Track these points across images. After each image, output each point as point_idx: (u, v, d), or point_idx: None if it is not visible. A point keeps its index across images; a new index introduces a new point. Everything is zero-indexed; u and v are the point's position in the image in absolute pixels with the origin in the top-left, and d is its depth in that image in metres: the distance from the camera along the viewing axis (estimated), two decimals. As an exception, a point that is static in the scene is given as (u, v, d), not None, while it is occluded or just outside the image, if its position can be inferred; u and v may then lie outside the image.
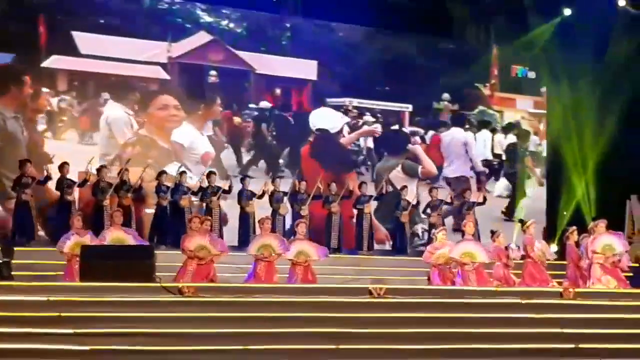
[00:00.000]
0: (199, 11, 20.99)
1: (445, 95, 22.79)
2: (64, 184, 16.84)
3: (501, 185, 22.93)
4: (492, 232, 16.40)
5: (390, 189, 20.27)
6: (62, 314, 11.10)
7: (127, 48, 19.71)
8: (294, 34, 21.83)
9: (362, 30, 22.26)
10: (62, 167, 17.00)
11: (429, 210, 19.40)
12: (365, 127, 22.17)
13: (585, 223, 17.74)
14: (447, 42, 23.06)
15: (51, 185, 17.11)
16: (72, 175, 17.15)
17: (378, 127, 22.23)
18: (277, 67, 21.45)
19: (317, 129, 21.55)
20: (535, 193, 23.17)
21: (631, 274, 16.41)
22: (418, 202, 19.97)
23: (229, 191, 18.26)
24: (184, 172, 18.12)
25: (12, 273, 13.60)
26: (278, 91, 21.55)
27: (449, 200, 20.08)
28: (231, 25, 21.34)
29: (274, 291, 12.85)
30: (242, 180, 18.65)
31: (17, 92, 18.43)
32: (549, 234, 20.52)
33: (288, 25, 21.86)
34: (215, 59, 20.82)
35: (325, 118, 21.78)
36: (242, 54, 21.04)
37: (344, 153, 21.79)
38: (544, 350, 12.20)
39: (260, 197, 18.27)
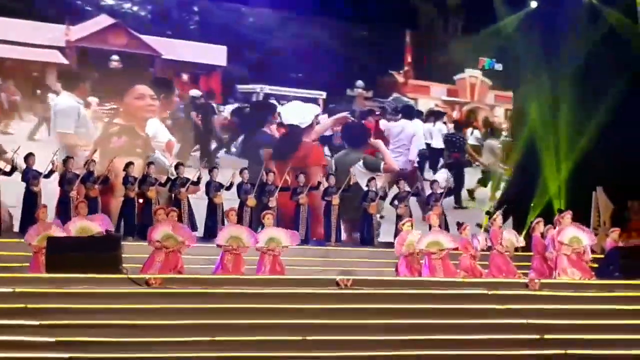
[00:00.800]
0: (100, -7, 20.05)
1: (359, 83, 22.33)
2: (29, 175, 16.70)
3: (441, 176, 22.73)
4: (459, 224, 16.50)
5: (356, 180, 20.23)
6: (28, 306, 11.07)
7: (22, 30, 18.96)
8: (202, 18, 21.15)
9: (274, 15, 21.51)
10: (28, 157, 16.87)
11: (396, 202, 19.45)
12: (338, 115, 22.10)
13: (552, 215, 17.82)
14: (361, 29, 22.40)
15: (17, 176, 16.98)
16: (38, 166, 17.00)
17: (346, 114, 22.18)
18: (184, 52, 20.74)
19: (288, 124, 21.49)
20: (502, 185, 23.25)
21: (596, 265, 16.55)
22: (386, 194, 19.99)
23: (197, 182, 18.21)
24: (151, 162, 18.05)
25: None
26: (185, 77, 20.91)
27: (415, 191, 20.15)
28: (135, 8, 20.43)
29: (242, 282, 12.87)
30: (210, 171, 18.60)
31: None
32: (516, 226, 20.59)
33: (196, 9, 21.20)
34: (117, 43, 19.95)
35: (295, 112, 21.64)
36: (146, 38, 20.20)
37: (311, 146, 21.62)
38: (509, 341, 12.28)
39: (229, 188, 18.24)
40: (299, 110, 21.74)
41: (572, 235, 15.58)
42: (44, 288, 11.52)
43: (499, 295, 13.16)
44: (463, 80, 23.70)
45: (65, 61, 19.40)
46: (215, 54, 21.02)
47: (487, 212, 17.78)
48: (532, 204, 21.56)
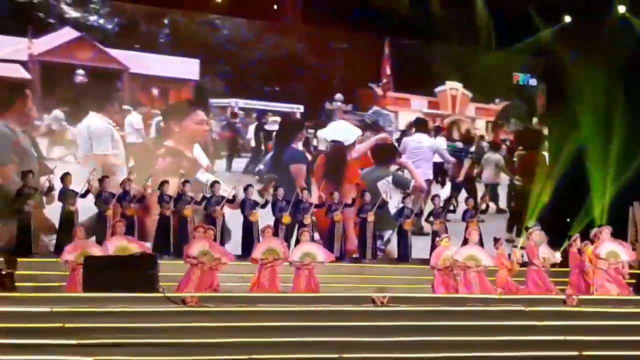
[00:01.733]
0: (64, 5, 19.28)
1: (338, 96, 21.75)
2: (66, 195, 16.82)
3: (447, 190, 22.54)
4: (495, 240, 16.43)
5: (390, 197, 20.20)
6: (66, 325, 11.13)
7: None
8: (173, 31, 20.38)
9: (249, 26, 21.06)
10: (65, 177, 16.99)
11: (431, 218, 19.40)
12: (379, 136, 22.08)
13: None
14: (340, 41, 21.70)
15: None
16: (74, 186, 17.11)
17: (386, 135, 22.17)
18: (153, 66, 20.02)
19: (332, 140, 21.54)
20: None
21: (633, 281, 16.40)
22: (421, 211, 19.92)
23: (233, 200, 18.25)
24: (187, 181, 18.08)
25: (16, 284, 13.60)
26: (155, 92, 20.29)
27: (451, 208, 20.09)
28: (101, 21, 19.69)
29: (278, 300, 12.88)
30: (246, 189, 18.63)
31: None
32: (553, 242, 20.42)
33: (166, 21, 20.43)
34: (83, 57, 19.25)
35: (340, 131, 21.69)
36: (113, 51, 19.52)
37: (350, 164, 21.65)
38: (547, 358, 12.20)
39: (264, 206, 18.25)
40: (344, 129, 21.76)
41: (609, 249, 15.46)
42: (81, 307, 11.58)
43: (536, 311, 13.07)
44: (444, 93, 23.25)
45: (27, 75, 18.73)
46: (187, 68, 20.37)
47: (526, 227, 17.62)
48: (568, 219, 21.34)
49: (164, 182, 17.77)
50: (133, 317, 11.53)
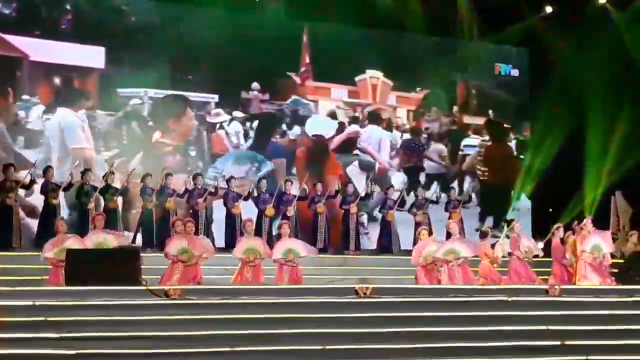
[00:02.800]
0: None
1: (255, 85, 21.16)
2: (48, 188, 16.76)
3: (398, 179, 22.52)
4: (483, 234, 16.50)
5: (377, 189, 20.32)
6: (48, 319, 11.08)
7: None
8: (76, 17, 19.24)
9: (159, 12, 20.10)
10: (47, 170, 16.92)
11: (414, 210, 19.44)
12: (350, 129, 22.29)
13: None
14: (259, 29, 20.69)
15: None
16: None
17: (357, 129, 22.35)
18: (56, 53, 18.90)
19: (313, 135, 21.63)
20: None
21: (616, 270, 16.49)
22: (404, 201, 19.95)
23: (215, 193, 18.23)
24: (169, 174, 18.05)
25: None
26: (57, 81, 19.17)
27: (434, 199, 20.22)
28: None
29: (261, 292, 12.85)
30: (228, 181, 18.61)
31: None
32: (535, 232, 20.50)
33: (68, 7, 19.30)
34: None
35: (320, 125, 21.85)
36: (12, 38, 18.52)
37: (330, 155, 21.83)
38: (530, 347, 12.23)
39: (246, 198, 18.24)
40: (325, 123, 21.94)
41: (594, 243, 15.61)
42: (63, 301, 11.52)
43: (518, 301, 13.11)
44: (364, 82, 22.87)
45: None
46: (91, 56, 19.23)
47: (506, 220, 17.71)
48: (550, 210, 21.41)
49: (145, 175, 17.72)
50: (116, 310, 11.49)
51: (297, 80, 21.90)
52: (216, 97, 20.81)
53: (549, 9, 22.73)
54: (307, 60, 21.92)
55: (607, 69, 21.07)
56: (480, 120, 23.98)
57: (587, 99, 21.29)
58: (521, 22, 22.71)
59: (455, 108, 23.84)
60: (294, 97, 21.87)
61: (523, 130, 24.31)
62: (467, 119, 23.86)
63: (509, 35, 23.12)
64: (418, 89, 23.38)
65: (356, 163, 22.14)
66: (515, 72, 24.26)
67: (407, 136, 23.17)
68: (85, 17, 19.34)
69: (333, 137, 22.01)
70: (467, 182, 23.45)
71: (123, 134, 19.84)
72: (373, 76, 22.91)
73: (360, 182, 20.96)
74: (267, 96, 21.42)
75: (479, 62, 24.11)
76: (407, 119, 23.39)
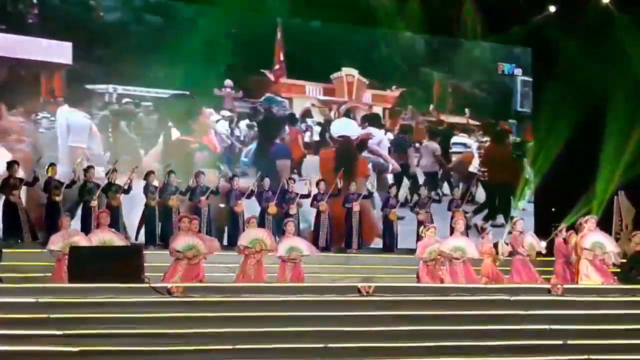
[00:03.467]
0: None
1: (228, 82, 20.80)
2: (51, 185, 16.77)
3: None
4: (481, 229, 16.47)
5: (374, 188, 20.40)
6: (51, 316, 11.08)
7: None
8: (43, 11, 18.81)
9: (127, 6, 19.81)
10: (50, 168, 16.95)
11: (417, 208, 19.46)
12: (364, 131, 22.39)
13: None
14: (232, 25, 20.54)
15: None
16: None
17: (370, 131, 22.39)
18: (20, 49, 18.47)
19: (339, 136, 21.83)
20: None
21: (618, 270, 16.46)
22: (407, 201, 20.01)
23: (217, 191, 18.24)
24: (171, 171, 18.06)
25: (0, 275, 13.56)
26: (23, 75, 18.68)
27: (436, 198, 20.24)
28: None
29: (263, 290, 12.85)
30: (231, 179, 18.63)
31: None
32: (538, 231, 20.47)
33: (35, 0, 18.83)
34: None
35: (346, 127, 22.11)
36: None
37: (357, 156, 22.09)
38: (532, 347, 12.22)
39: (249, 196, 18.24)
40: (351, 125, 22.20)
41: (595, 240, 15.51)
42: (66, 298, 11.53)
43: (521, 300, 13.10)
44: (340, 79, 22.63)
45: None
46: (58, 51, 18.76)
47: (510, 217, 17.71)
48: (553, 209, 21.37)
49: (149, 173, 17.75)
50: (118, 308, 11.48)
51: (271, 77, 21.57)
52: (188, 94, 20.41)
53: (552, 9, 22.69)
54: (281, 58, 21.62)
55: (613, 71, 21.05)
56: (458, 119, 23.78)
57: (602, 99, 21.16)
58: (524, 22, 22.69)
59: (431, 106, 23.63)
60: (267, 94, 21.55)
61: (525, 130, 24.23)
62: (445, 117, 23.66)
63: (513, 35, 23.08)
64: (394, 87, 23.14)
65: (370, 165, 22.18)
66: (518, 72, 24.20)
67: (390, 135, 23.08)
68: (52, 11, 19.06)
69: (358, 138, 22.07)
70: (462, 182, 23.33)
71: (123, 134, 19.88)
72: (349, 74, 22.68)
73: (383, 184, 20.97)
74: (240, 94, 21.11)
75: (479, 62, 24.13)
76: (383, 117, 23.17)
